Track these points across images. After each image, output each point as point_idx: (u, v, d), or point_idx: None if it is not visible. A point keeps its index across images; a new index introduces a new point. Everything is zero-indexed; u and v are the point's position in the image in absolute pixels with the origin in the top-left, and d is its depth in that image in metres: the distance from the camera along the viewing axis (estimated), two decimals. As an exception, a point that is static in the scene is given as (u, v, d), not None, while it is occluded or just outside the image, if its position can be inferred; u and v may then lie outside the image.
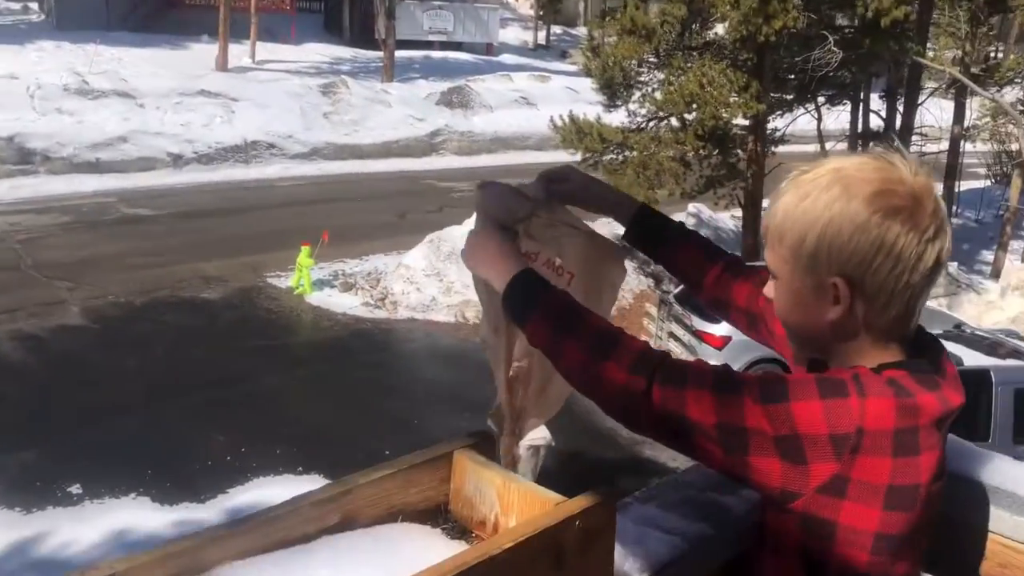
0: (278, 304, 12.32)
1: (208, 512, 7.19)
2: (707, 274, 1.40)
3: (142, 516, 7.03)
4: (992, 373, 7.36)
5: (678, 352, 9.95)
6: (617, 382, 1.03)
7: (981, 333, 9.23)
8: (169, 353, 10.43)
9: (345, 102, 21.82)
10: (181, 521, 7.00)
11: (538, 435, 1.25)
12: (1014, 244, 17.57)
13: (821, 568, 1.05)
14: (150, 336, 10.85)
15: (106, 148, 18.22)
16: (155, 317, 11.49)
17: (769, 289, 1.18)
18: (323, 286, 12.79)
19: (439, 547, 0.99)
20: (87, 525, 6.84)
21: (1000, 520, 1.27)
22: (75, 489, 7.36)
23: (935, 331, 8.98)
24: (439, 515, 1.08)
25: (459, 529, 1.06)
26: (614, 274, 1.29)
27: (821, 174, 1.10)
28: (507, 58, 31.07)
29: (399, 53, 25.55)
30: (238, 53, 23.58)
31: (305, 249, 12.36)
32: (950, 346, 7.80)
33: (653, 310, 11.73)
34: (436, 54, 29.24)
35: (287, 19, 27.62)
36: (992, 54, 20.89)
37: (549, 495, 0.98)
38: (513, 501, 1.02)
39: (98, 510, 7.10)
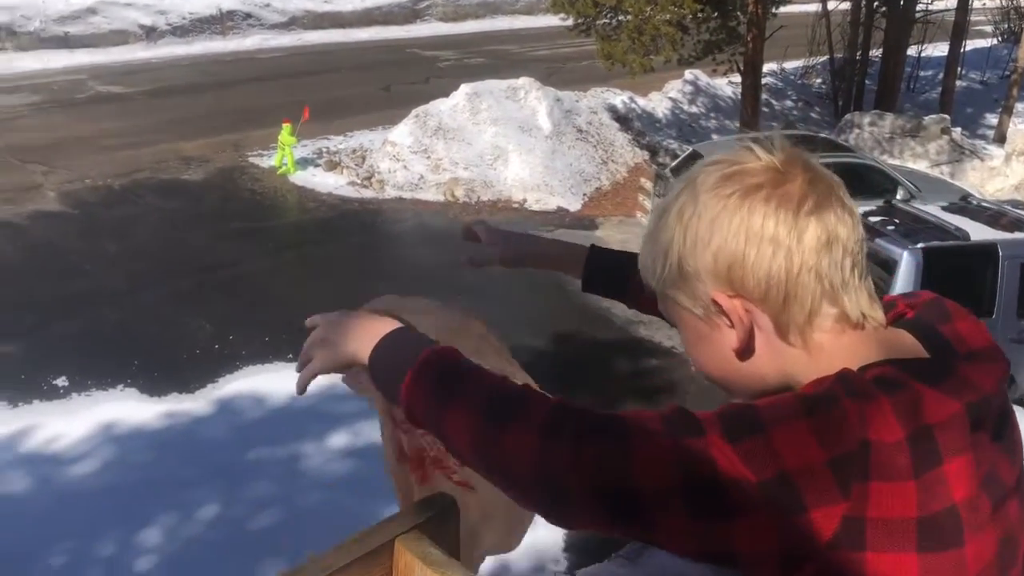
0: (261, 185, 11.95)
1: (198, 403, 7.08)
2: None
3: (130, 408, 6.91)
4: (999, 247, 7.13)
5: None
6: (528, 450, 0.77)
7: (985, 204, 8.97)
8: (151, 238, 10.15)
9: (323, -34, 20.75)
10: (171, 412, 6.90)
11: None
12: (1019, 107, 17.08)
13: None
14: (130, 221, 10.54)
15: (75, 21, 17.38)
16: (135, 200, 11.16)
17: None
18: (307, 165, 12.39)
19: None
20: (74, 418, 6.73)
21: None
22: (61, 382, 7.22)
23: (940, 202, 8.75)
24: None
25: None
26: (474, 327, 1.14)
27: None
28: (493, -84, 29.45)
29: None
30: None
31: (287, 127, 11.90)
32: (956, 219, 7.57)
33: (648, 185, 11.40)
34: (418, -88, 27.70)
35: None
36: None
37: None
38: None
39: (85, 403, 6.98)
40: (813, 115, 18.23)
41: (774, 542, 0.73)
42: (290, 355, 7.81)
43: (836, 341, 0.84)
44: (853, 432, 0.74)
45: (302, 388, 0.99)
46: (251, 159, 12.64)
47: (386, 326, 0.94)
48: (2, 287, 8.73)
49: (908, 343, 0.86)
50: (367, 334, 0.93)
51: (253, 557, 5.42)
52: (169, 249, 9.87)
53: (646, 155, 14.08)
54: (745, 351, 0.86)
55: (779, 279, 0.83)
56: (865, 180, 9.93)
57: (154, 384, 7.30)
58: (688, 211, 0.86)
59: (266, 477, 6.10)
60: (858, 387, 0.77)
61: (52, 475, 6.09)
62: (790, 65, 19.51)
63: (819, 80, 19.65)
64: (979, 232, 7.34)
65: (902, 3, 16.47)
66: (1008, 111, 16.61)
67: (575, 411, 0.79)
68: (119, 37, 17.71)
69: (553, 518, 0.80)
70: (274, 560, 5.40)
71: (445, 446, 0.83)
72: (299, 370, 1.00)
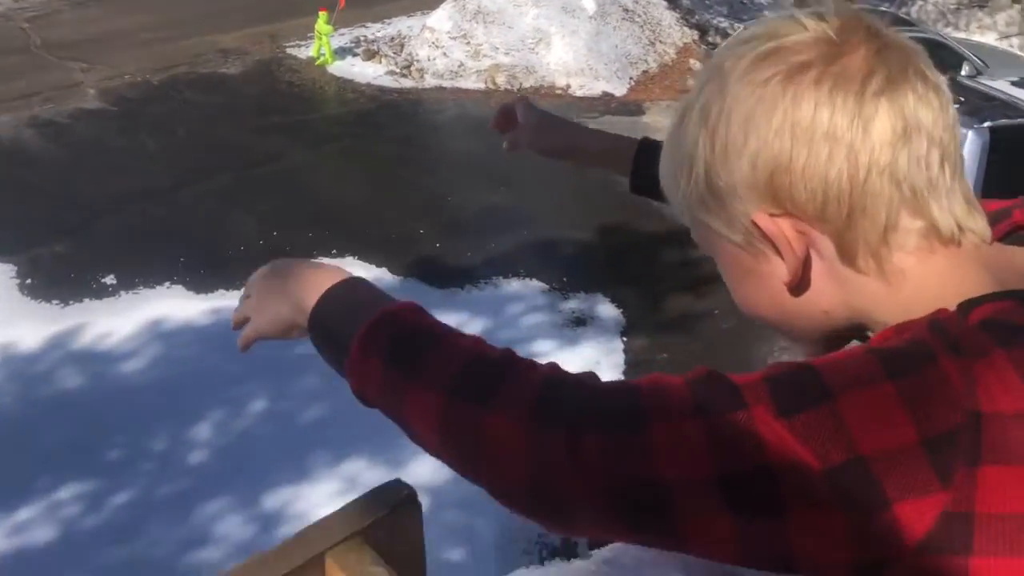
0: (300, 76, 11.73)
1: (243, 299, 7.11)
2: None
3: (177, 305, 6.97)
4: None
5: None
6: (514, 440, 0.59)
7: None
8: (192, 134, 10.07)
9: None
10: (217, 309, 6.94)
11: None
12: (1098, -28, 15.91)
13: None
14: (171, 117, 10.46)
15: (105, -90, 16.92)
16: (174, 96, 11.04)
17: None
18: (345, 55, 12.10)
19: None
20: (123, 316, 6.81)
21: None
22: (109, 280, 7.29)
23: (1009, 77, 8.24)
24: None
25: None
26: None
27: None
28: None
29: None
30: None
31: (323, 15, 11.58)
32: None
33: (698, 67, 10.94)
34: None
35: None
36: None
37: None
38: None
39: (133, 300, 7.06)
40: (874, -13, 17.27)
41: (844, 545, 0.56)
42: (334, 250, 7.79)
43: (923, 265, 0.64)
44: (957, 400, 0.55)
45: (243, 349, 0.85)
46: (288, 50, 12.39)
47: (334, 276, 0.75)
48: (50, 185, 8.78)
49: None
50: (309, 288, 0.74)
51: (301, 449, 5.51)
52: (210, 145, 9.79)
53: (695, 35, 13.49)
54: (800, 284, 0.67)
55: (840, 188, 0.63)
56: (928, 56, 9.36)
57: (200, 281, 7.33)
58: (715, 108, 0.66)
59: (312, 372, 6.13)
60: (960, 337, 0.57)
61: (104, 372, 6.20)
62: (850, -67, 18.39)
63: (881, -51, 18.53)
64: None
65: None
66: (1086, -23, 15.48)
67: (572, 384, 0.62)
68: (151, -74, 17.28)
69: (555, 526, 0.63)
70: (322, 452, 5.49)
71: (409, 437, 0.66)
72: (235, 328, 0.85)
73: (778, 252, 0.67)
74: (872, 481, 0.55)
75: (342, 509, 0.63)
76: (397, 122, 10.67)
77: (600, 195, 8.33)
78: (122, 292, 7.15)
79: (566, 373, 0.63)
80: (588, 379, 0.63)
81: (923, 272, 0.65)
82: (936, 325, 0.59)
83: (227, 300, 7.16)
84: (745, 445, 0.56)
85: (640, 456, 0.58)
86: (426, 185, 9.04)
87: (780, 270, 0.67)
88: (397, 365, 0.65)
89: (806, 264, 0.67)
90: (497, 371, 0.63)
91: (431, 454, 0.66)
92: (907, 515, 0.55)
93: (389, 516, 0.62)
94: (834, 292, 0.67)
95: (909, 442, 0.55)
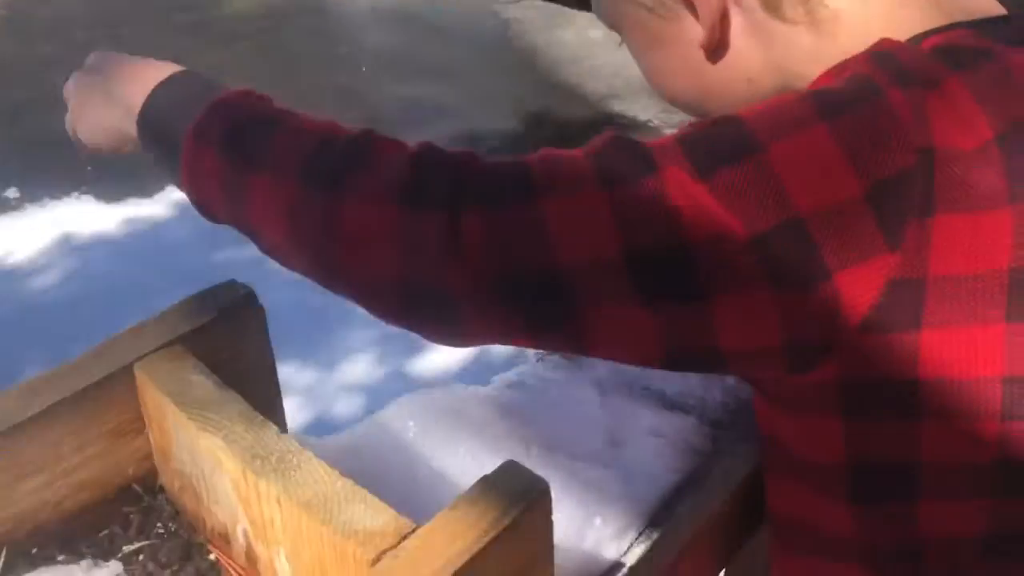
0: (203, -29, 11.10)
1: (157, 207, 6.80)
2: None
3: (88, 215, 6.67)
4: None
5: None
6: (379, 229, 0.49)
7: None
8: (89, 36, 9.46)
9: None
10: (131, 218, 6.66)
11: None
12: None
13: (910, 481, 0.50)
14: (65, 20, 9.86)
15: None
16: (67, -4, 10.37)
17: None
18: (250, -54, 11.47)
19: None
20: (30, 230, 6.51)
21: None
22: (11, 193, 6.93)
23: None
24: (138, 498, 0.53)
25: (181, 546, 0.50)
26: None
27: None
28: None
29: None
30: None
31: (222, -98, 10.89)
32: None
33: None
34: None
35: None
36: None
37: (368, 524, 0.42)
38: (271, 519, 0.46)
39: (39, 212, 6.74)
40: None
41: (776, 328, 0.47)
42: (251, 152, 7.50)
43: (862, 5, 0.54)
44: (907, 138, 0.46)
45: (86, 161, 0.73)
46: (189, -58, 11.70)
47: (163, 71, 0.64)
48: (-65, 97, 8.23)
49: (978, 3, 0.55)
50: (136, 88, 0.62)
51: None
52: (112, 47, 9.16)
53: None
54: (719, 47, 0.58)
55: None
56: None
57: (111, 190, 6.96)
58: None
59: (236, 278, 5.95)
60: (909, 64, 0.48)
61: (14, 289, 5.91)
62: None
63: None
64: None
65: None
66: None
67: (449, 160, 0.51)
68: None
69: (438, 333, 0.52)
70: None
71: (263, 251, 0.57)
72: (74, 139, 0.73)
73: (691, 7, 0.56)
74: (809, 246, 0.45)
75: (160, 314, 0.53)
76: (309, 16, 10.21)
77: (525, 83, 8.13)
78: (27, 205, 6.80)
79: (441, 149, 0.52)
80: (467, 155, 0.52)
81: (861, 14, 0.54)
82: (879, 55, 0.49)
83: (141, 209, 6.84)
84: (655, 216, 0.46)
85: (532, 237, 0.48)
86: (343, 81, 8.70)
87: (695, 31, 0.57)
88: (236, 158, 0.54)
89: (724, 19, 0.57)
90: (356, 150, 0.52)
91: (291, 267, 0.55)
92: (849, 286, 0.46)
93: (219, 321, 0.51)
94: (758, 53, 0.57)
95: (851, 193, 0.45)
